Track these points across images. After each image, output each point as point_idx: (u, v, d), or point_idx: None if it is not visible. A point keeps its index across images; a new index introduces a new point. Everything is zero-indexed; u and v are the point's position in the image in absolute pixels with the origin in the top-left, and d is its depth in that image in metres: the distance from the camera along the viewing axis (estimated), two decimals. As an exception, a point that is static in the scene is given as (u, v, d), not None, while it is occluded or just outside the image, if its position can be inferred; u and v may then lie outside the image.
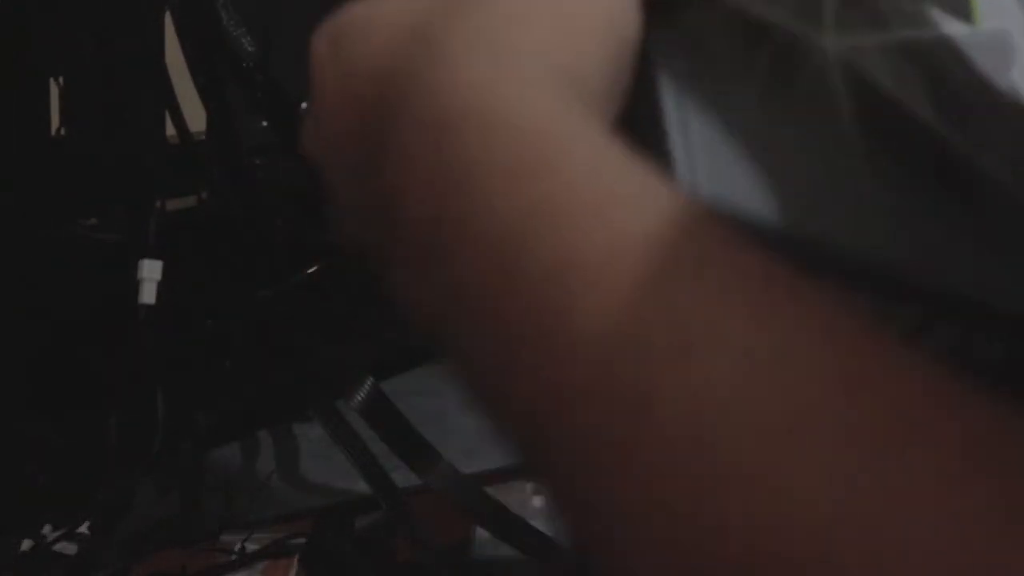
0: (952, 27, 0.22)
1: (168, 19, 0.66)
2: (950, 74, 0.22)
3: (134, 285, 0.67)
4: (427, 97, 0.22)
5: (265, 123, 0.73)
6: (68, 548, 0.66)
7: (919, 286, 0.21)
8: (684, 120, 0.23)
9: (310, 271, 0.78)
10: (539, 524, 0.70)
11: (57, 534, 0.66)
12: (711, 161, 0.22)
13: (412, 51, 0.23)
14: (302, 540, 0.68)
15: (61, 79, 0.64)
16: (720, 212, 0.20)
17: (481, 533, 0.71)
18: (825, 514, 0.16)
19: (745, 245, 0.19)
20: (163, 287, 0.68)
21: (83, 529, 0.67)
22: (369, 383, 0.74)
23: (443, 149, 0.21)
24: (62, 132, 0.64)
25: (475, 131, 0.21)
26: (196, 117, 0.67)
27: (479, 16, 0.23)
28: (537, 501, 0.76)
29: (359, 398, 0.74)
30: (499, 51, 0.22)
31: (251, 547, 0.69)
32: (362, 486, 0.72)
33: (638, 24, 0.24)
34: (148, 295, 0.67)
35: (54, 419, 0.69)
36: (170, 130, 0.68)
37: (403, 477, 0.72)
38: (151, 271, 0.67)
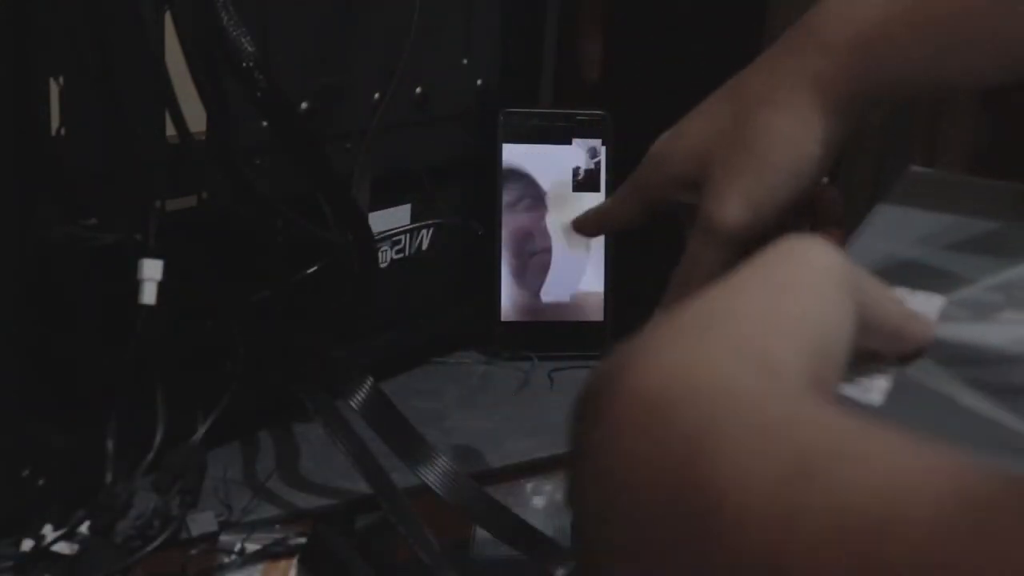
0: None
1: (168, 19, 0.66)
2: None
3: (134, 285, 0.67)
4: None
5: (265, 123, 0.73)
6: (68, 548, 0.66)
7: None
8: None
9: (310, 271, 0.78)
10: (539, 524, 0.70)
11: (57, 534, 0.66)
12: None
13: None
14: (302, 540, 0.68)
15: (61, 79, 0.63)
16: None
17: (481, 533, 0.71)
18: None
19: None
20: (163, 287, 0.68)
21: (83, 529, 0.67)
22: (369, 383, 0.74)
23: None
24: (62, 132, 0.64)
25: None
26: (196, 117, 0.67)
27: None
28: (537, 501, 0.76)
29: (359, 398, 0.74)
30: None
31: (251, 547, 0.69)
32: (362, 486, 0.72)
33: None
34: (148, 295, 0.67)
35: (54, 419, 0.69)
36: (170, 130, 0.68)
37: (403, 477, 0.72)
38: (151, 271, 0.67)
